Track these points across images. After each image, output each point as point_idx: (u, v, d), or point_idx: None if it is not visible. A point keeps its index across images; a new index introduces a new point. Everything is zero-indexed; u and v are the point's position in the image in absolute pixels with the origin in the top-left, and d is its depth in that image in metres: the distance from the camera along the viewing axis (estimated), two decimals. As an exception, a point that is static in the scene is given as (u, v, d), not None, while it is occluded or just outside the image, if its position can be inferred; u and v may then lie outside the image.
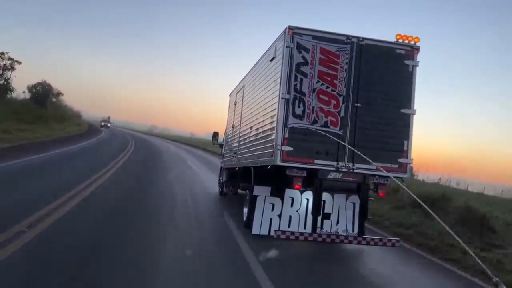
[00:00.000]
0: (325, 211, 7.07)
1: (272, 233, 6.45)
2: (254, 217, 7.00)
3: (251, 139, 7.96)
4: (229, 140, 11.27)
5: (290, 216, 7.06)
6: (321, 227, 7.03)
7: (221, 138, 13.28)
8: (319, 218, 6.97)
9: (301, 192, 6.97)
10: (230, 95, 11.73)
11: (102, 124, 70.10)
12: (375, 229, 9.07)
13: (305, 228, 6.93)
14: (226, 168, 10.91)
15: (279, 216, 7.04)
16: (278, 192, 7.08)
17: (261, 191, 7.14)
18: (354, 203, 7.04)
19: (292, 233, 6.15)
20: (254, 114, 7.83)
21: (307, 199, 7.01)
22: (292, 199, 7.10)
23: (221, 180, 11.61)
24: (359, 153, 5.75)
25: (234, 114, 10.56)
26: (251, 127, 8.06)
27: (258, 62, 7.97)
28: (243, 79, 9.63)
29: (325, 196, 7.04)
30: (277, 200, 7.09)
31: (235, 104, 10.54)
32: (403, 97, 6.33)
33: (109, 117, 79.85)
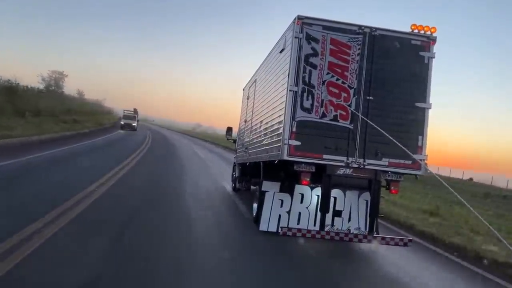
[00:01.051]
0: (336, 208, 6.85)
1: (280, 229, 6.28)
2: (262, 213, 6.85)
3: (261, 133, 7.80)
4: (241, 135, 11.15)
5: (300, 213, 6.87)
6: (332, 225, 6.82)
7: (235, 134, 13.17)
8: (330, 215, 6.78)
9: (312, 189, 6.76)
10: (243, 90, 11.59)
11: (123, 123, 43.51)
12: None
13: (314, 225, 6.72)
14: (239, 164, 10.80)
15: (288, 212, 6.85)
16: (288, 188, 6.90)
17: (270, 187, 6.98)
18: (367, 200, 6.78)
19: (299, 230, 5.97)
20: (265, 108, 7.66)
21: (318, 196, 6.80)
22: (302, 195, 6.91)
23: (234, 176, 11.51)
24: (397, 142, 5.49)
25: (246, 108, 10.42)
26: (261, 121, 7.90)
27: (269, 54, 7.79)
28: (256, 72, 9.46)
29: (337, 192, 6.83)
30: (286, 196, 6.91)
31: (247, 99, 10.39)
32: (418, 90, 6.03)
33: (135, 110, 50.91)
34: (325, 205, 6.10)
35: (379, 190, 6.21)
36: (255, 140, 8.41)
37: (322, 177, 6.01)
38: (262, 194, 6.96)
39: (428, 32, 6.06)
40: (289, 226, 6.57)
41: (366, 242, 6.07)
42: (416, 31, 6.05)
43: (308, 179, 5.98)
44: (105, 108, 77.87)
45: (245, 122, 10.31)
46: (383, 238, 6.06)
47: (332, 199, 6.83)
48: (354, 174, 5.92)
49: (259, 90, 8.64)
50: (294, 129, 5.78)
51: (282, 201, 6.92)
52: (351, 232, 6.60)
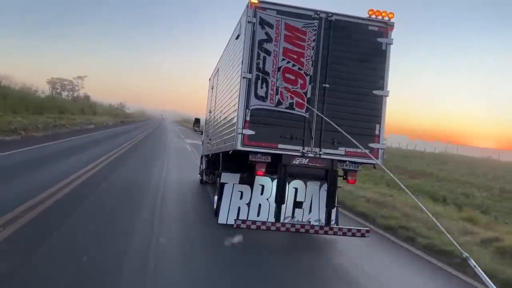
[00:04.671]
0: (297, 200, 6.73)
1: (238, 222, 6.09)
2: (221, 205, 6.66)
3: (220, 123, 7.59)
4: (207, 126, 10.92)
5: (260, 205, 6.71)
6: (293, 216, 6.69)
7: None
8: (291, 207, 6.65)
9: (272, 180, 6.59)
10: (209, 80, 11.30)
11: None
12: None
13: (275, 217, 6.57)
14: (205, 155, 10.56)
15: (248, 204, 6.69)
16: (248, 180, 6.72)
17: (229, 178, 6.78)
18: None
19: (254, 222, 5.79)
20: (224, 97, 7.43)
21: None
22: (263, 187, 6.74)
23: (201, 168, 11.27)
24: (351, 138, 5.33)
25: (211, 99, 10.16)
26: (221, 111, 7.67)
27: (228, 42, 7.53)
28: (218, 61, 9.19)
29: (298, 184, 6.69)
30: (246, 188, 6.73)
31: (212, 89, 10.13)
32: (375, 77, 5.90)
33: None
34: (281, 196, 5.92)
35: (336, 180, 6.07)
36: (216, 131, 8.19)
37: (277, 167, 5.83)
38: (221, 186, 6.76)
39: (386, 18, 5.91)
40: (249, 218, 6.41)
41: (322, 233, 5.94)
42: (373, 16, 5.90)
43: (264, 170, 5.80)
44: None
45: (210, 112, 10.06)
46: (340, 229, 5.94)
47: (293, 191, 6.70)
48: (310, 164, 5.77)
49: (221, 79, 8.39)
50: (248, 118, 5.58)
51: (242, 193, 6.74)
52: (311, 223, 6.48)
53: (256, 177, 6.56)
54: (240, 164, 6.45)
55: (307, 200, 6.75)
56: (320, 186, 6.69)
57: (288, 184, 6.48)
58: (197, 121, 13.19)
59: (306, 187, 6.72)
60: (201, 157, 11.68)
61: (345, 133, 5.07)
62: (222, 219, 6.57)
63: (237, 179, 6.79)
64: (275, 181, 6.59)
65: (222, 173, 6.89)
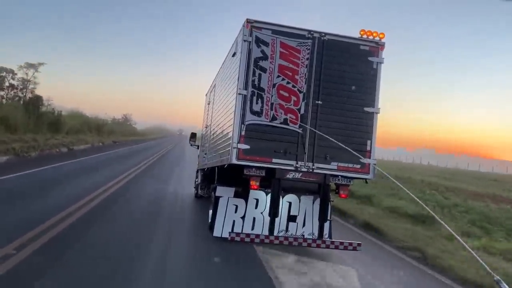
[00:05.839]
0: (291, 213, 6.84)
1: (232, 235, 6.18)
2: (216, 219, 6.75)
3: (216, 138, 7.73)
4: (203, 140, 11.06)
5: (254, 218, 6.80)
6: (287, 230, 6.79)
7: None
8: (285, 221, 6.75)
9: (267, 194, 6.71)
10: (206, 95, 11.50)
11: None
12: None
13: (268, 230, 6.68)
14: (200, 169, 10.67)
15: (243, 218, 6.78)
16: (242, 193, 6.83)
17: (224, 192, 6.89)
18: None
19: (248, 235, 5.89)
20: (220, 112, 7.60)
21: None
22: (257, 200, 6.85)
23: (196, 182, 11.37)
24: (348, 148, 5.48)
25: (207, 114, 10.33)
26: (217, 126, 7.83)
27: (225, 59, 7.74)
28: (215, 77, 9.40)
29: (292, 198, 6.81)
30: (241, 202, 6.84)
31: (208, 104, 10.32)
32: (366, 95, 6.10)
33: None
34: (275, 209, 6.04)
35: (328, 194, 6.21)
36: (212, 145, 8.33)
37: (271, 181, 5.97)
38: (216, 199, 6.86)
39: (377, 38, 6.15)
40: (243, 231, 6.50)
41: (315, 246, 6.05)
42: (365, 36, 6.13)
43: (258, 184, 5.93)
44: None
45: (206, 127, 10.22)
46: (332, 242, 6.05)
47: (287, 204, 6.82)
48: (303, 178, 5.91)
49: (217, 95, 8.58)
50: (243, 133, 5.73)
51: (236, 206, 6.84)
52: (304, 237, 6.58)
53: (251, 191, 6.68)
54: (235, 178, 6.57)
55: (301, 214, 6.86)
56: (314, 200, 6.81)
57: (282, 198, 6.62)
58: (193, 135, 13.34)
59: (299, 201, 6.84)
60: (197, 171, 11.79)
61: (344, 146, 5.23)
62: (217, 232, 6.65)
63: (232, 193, 6.90)
64: (269, 195, 6.71)
65: (217, 187, 7.01)
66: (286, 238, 5.97)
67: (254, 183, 5.90)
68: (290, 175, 5.88)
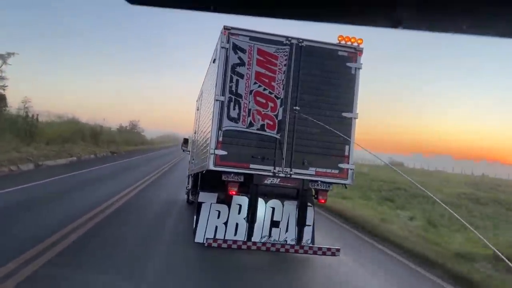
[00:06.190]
0: (274, 219, 6.84)
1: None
2: (198, 224, 6.75)
3: (200, 144, 7.78)
4: (192, 146, 11.12)
5: (237, 224, 6.81)
6: (269, 235, 6.79)
7: None
8: (268, 226, 6.75)
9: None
10: (196, 101, 11.57)
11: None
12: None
13: (252, 237, 6.68)
14: (190, 175, 10.71)
15: (225, 223, 6.79)
16: (226, 199, 6.85)
17: (207, 198, 6.91)
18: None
19: (225, 241, 5.91)
20: (203, 118, 7.65)
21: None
22: (240, 206, 6.86)
23: (187, 188, 11.40)
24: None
25: (196, 120, 10.40)
26: (201, 132, 7.88)
27: (209, 65, 7.80)
28: (202, 84, 9.46)
29: (275, 203, 6.82)
30: (223, 207, 6.84)
31: (197, 110, 10.37)
32: (344, 100, 6.12)
33: None
34: (252, 215, 6.06)
35: (306, 199, 6.22)
36: (197, 151, 8.39)
37: (249, 187, 5.99)
38: (199, 205, 6.88)
39: (355, 43, 6.18)
40: (226, 237, 6.50)
41: (293, 252, 6.05)
42: (343, 42, 6.16)
43: (236, 190, 5.95)
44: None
45: (194, 133, 10.28)
46: (310, 248, 6.05)
47: (270, 210, 6.83)
48: (281, 183, 5.92)
49: (203, 101, 8.63)
50: (220, 139, 5.76)
51: (219, 212, 6.84)
52: (287, 242, 6.58)
53: (234, 196, 6.70)
54: (218, 184, 6.61)
55: (284, 220, 6.86)
56: (297, 206, 6.82)
57: (266, 203, 6.63)
58: (185, 141, 13.39)
59: (283, 207, 6.85)
60: (188, 177, 11.83)
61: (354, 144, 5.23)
62: (199, 238, 6.66)
63: (215, 199, 6.91)
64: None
65: (200, 193, 7.03)
66: (264, 244, 5.97)
67: (232, 189, 5.92)
68: (268, 181, 5.90)
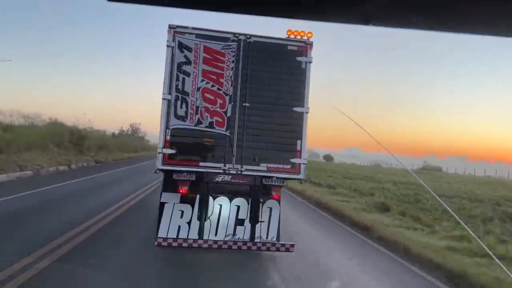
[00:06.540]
0: (239, 217, 6.79)
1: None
2: (160, 225, 6.71)
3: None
4: None
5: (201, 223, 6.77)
6: (234, 233, 6.74)
7: None
8: (232, 224, 6.71)
9: (214, 198, 6.69)
10: None
11: None
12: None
13: (216, 235, 6.64)
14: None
15: (189, 223, 6.75)
16: (189, 199, 6.81)
17: (170, 198, 6.86)
18: (270, 208, 6.74)
19: (175, 239, 5.87)
20: None
21: (220, 205, 6.73)
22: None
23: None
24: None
25: None
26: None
27: None
28: None
29: (241, 201, 6.77)
30: (187, 207, 6.79)
31: None
32: (295, 95, 6.08)
33: None
34: (201, 213, 6.02)
35: (258, 195, 6.16)
36: None
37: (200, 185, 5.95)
38: (161, 205, 6.83)
39: (305, 37, 6.14)
40: (189, 236, 6.46)
41: (246, 249, 6.00)
42: (292, 36, 6.12)
43: (186, 188, 5.92)
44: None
45: None
46: (263, 244, 6.00)
47: (235, 208, 6.78)
48: (233, 180, 5.89)
49: None
50: (168, 138, 5.74)
51: (182, 212, 6.80)
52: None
53: (197, 196, 6.67)
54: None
55: (249, 217, 6.81)
56: (263, 204, 6.76)
57: (231, 202, 6.58)
58: None
59: (248, 205, 6.81)
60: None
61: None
62: (159, 240, 6.62)
63: (178, 199, 6.87)
64: (216, 200, 6.70)
65: (162, 193, 6.99)
66: (215, 242, 5.93)
67: (182, 188, 5.89)
68: (219, 178, 5.86)
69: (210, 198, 6.73)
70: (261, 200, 6.42)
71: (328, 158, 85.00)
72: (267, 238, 6.60)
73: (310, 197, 15.35)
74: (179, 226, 6.72)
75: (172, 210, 6.80)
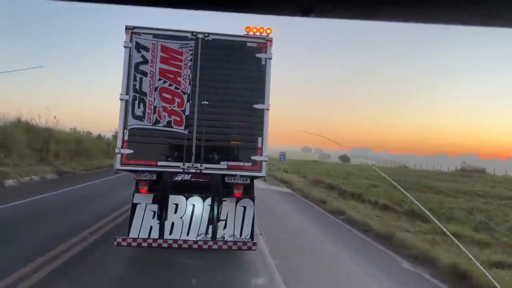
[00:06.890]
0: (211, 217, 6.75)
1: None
2: (132, 226, 6.68)
3: None
4: None
5: (173, 223, 6.73)
6: (206, 233, 6.68)
7: None
8: (205, 224, 6.66)
9: (186, 198, 6.66)
10: None
11: None
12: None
13: (188, 235, 6.60)
14: None
15: (161, 223, 6.73)
16: (162, 199, 6.80)
17: (142, 199, 6.85)
18: (244, 207, 6.69)
19: (134, 240, 5.85)
20: None
21: (193, 205, 6.70)
22: (176, 205, 6.77)
23: None
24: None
25: None
26: None
27: None
28: None
29: (210, 201, 6.73)
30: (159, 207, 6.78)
31: None
32: (255, 92, 6.03)
33: None
34: (161, 212, 5.99)
35: (218, 193, 6.11)
36: None
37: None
38: (133, 206, 6.81)
39: (264, 34, 6.09)
40: (164, 237, 6.42)
41: (207, 248, 5.95)
42: (251, 33, 6.09)
43: (146, 188, 5.91)
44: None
45: None
46: (225, 243, 5.94)
47: (208, 208, 6.74)
48: (193, 179, 5.86)
49: None
50: (126, 138, 5.74)
51: (154, 212, 6.78)
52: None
53: (170, 196, 6.63)
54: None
55: (223, 216, 6.77)
56: (236, 202, 6.71)
57: (204, 201, 6.54)
58: None
59: (222, 204, 6.76)
60: None
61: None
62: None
63: (150, 199, 6.86)
64: (189, 199, 6.66)
65: (135, 194, 6.99)
66: (175, 241, 5.90)
67: (142, 187, 5.88)
68: (179, 177, 5.84)
69: (183, 198, 6.71)
70: (225, 199, 6.37)
71: (344, 159, 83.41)
72: (240, 236, 6.54)
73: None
74: (151, 227, 6.70)
75: (144, 211, 6.79)
